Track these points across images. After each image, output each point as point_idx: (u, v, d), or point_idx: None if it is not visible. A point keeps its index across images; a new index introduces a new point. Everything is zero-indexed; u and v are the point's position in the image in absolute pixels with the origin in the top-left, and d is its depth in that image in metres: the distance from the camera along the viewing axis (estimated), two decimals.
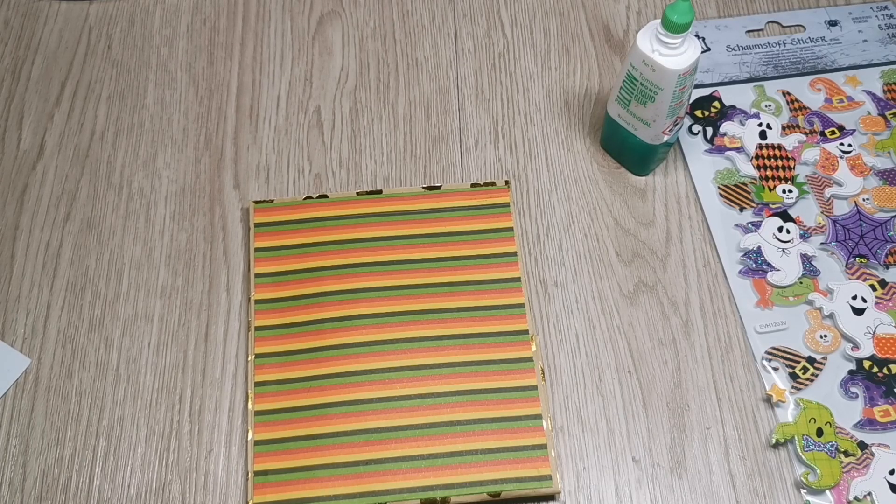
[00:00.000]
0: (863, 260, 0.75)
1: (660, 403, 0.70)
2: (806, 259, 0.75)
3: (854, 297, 0.73)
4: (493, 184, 0.78)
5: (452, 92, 0.84)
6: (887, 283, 0.74)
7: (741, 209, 0.77)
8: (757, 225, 0.76)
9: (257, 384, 0.69)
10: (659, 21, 0.68)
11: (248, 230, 0.76)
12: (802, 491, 0.66)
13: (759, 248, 0.75)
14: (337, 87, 0.84)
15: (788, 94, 0.83)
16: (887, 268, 0.75)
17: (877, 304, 0.73)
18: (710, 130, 0.81)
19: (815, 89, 0.83)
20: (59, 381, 0.70)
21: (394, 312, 0.71)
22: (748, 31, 0.87)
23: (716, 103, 0.83)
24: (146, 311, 0.73)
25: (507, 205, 0.77)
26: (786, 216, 0.77)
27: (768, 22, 0.87)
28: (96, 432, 0.69)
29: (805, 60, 0.85)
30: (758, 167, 0.79)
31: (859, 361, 0.71)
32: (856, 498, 0.66)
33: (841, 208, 0.78)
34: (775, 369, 0.71)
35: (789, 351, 0.71)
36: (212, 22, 0.88)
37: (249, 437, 0.67)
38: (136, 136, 0.81)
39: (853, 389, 0.70)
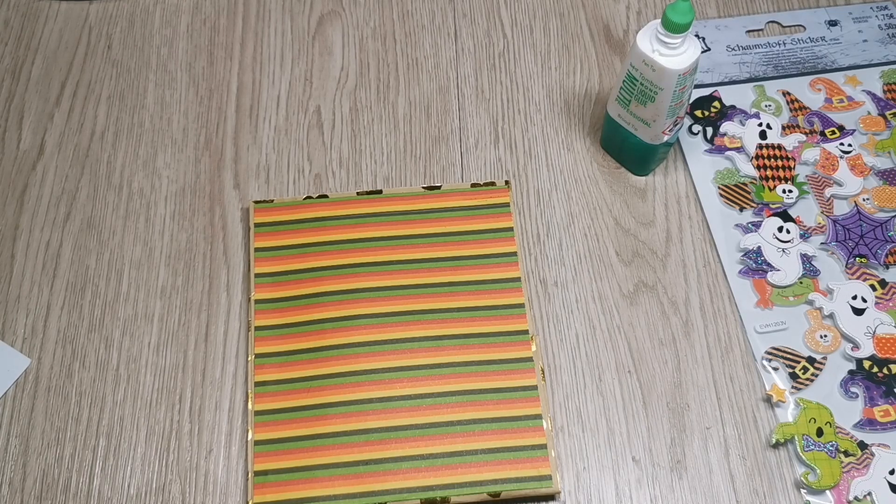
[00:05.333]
0: (863, 260, 0.75)
1: (660, 403, 0.70)
2: (806, 259, 0.75)
3: (854, 297, 0.73)
4: (493, 184, 0.78)
5: (452, 92, 0.84)
6: (887, 283, 0.74)
7: (741, 209, 0.77)
8: (757, 225, 0.76)
9: (257, 384, 0.69)
10: (659, 21, 0.68)
11: (248, 230, 0.76)
12: (802, 491, 0.67)
13: (759, 248, 0.75)
14: (337, 87, 0.84)
15: (788, 94, 0.83)
16: (887, 268, 0.75)
17: (877, 304, 0.73)
18: (710, 130, 0.81)
19: (815, 89, 0.83)
20: (59, 381, 0.70)
21: (394, 312, 0.71)
22: (748, 31, 0.87)
23: (716, 103, 0.83)
24: (146, 311, 0.73)
25: (507, 205, 0.77)
26: (786, 216, 0.77)
27: (768, 22, 0.87)
28: (96, 432, 0.69)
29: (805, 60, 0.85)
30: (758, 167, 0.79)
31: (859, 361, 0.71)
32: (856, 498, 0.66)
33: (841, 208, 0.78)
34: (775, 369, 0.71)
35: (789, 351, 0.71)
36: (212, 22, 0.88)
37: (249, 437, 0.67)
38: (136, 136, 0.81)
39: (853, 389, 0.70)
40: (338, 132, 0.82)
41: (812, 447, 0.67)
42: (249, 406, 0.69)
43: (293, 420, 0.68)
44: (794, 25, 0.87)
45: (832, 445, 0.67)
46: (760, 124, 0.81)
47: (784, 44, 0.86)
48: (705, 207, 0.78)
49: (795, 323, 0.72)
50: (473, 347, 0.70)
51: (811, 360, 0.71)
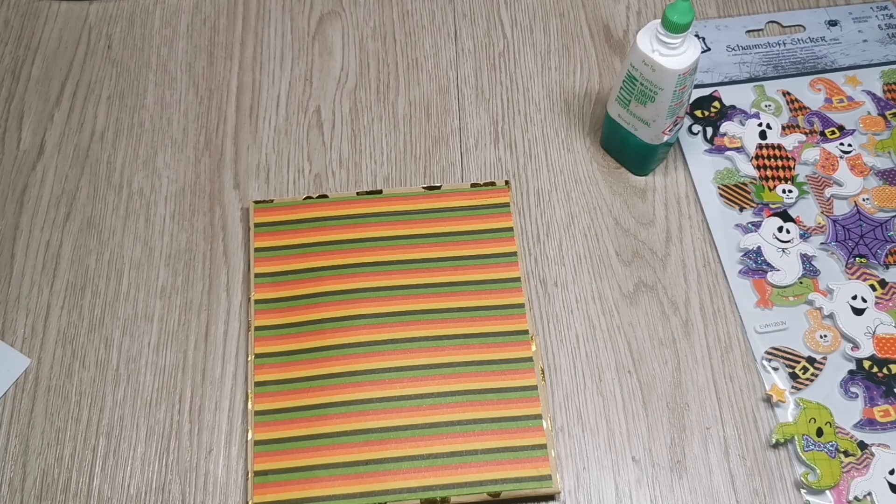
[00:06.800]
0: (863, 260, 0.75)
1: (660, 403, 0.70)
2: (806, 259, 0.75)
3: (854, 297, 0.73)
4: (493, 184, 0.78)
5: (452, 92, 0.84)
6: (887, 283, 0.74)
7: (741, 209, 0.77)
8: (757, 225, 0.76)
9: (257, 384, 0.69)
10: (659, 21, 0.68)
11: (248, 230, 0.76)
12: (802, 491, 0.67)
13: (759, 248, 0.75)
14: (337, 87, 0.84)
15: (788, 94, 0.83)
16: (887, 268, 0.75)
17: (877, 304, 0.73)
18: (710, 130, 0.81)
19: (815, 89, 0.83)
20: (59, 381, 0.70)
21: (394, 312, 0.71)
22: (748, 31, 0.87)
23: (716, 103, 0.83)
24: (146, 311, 0.73)
25: (507, 205, 0.77)
26: (786, 216, 0.77)
27: (768, 22, 0.87)
28: (96, 432, 0.69)
29: (805, 60, 0.85)
30: (758, 167, 0.79)
31: (859, 361, 0.71)
32: (856, 498, 0.66)
33: (841, 208, 0.78)
34: (775, 369, 0.71)
35: (789, 351, 0.71)
36: (212, 22, 0.88)
37: (249, 437, 0.67)
38: (136, 136, 0.81)
39: (853, 389, 0.70)
40: (338, 132, 0.82)
41: (812, 447, 0.67)
42: (249, 406, 0.69)
43: (293, 420, 0.68)
44: (793, 25, 0.87)
45: (832, 445, 0.67)
46: (760, 124, 0.81)
47: (784, 44, 0.86)
48: (705, 207, 0.78)
49: (795, 323, 0.72)
50: (473, 347, 0.70)
51: (811, 360, 0.71)
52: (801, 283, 0.74)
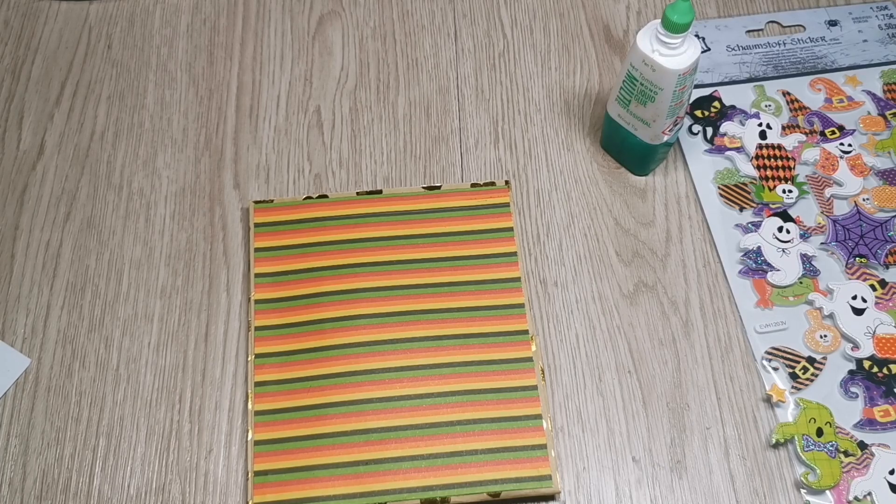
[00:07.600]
0: (863, 260, 0.75)
1: (660, 403, 0.70)
2: (806, 259, 0.75)
3: (854, 297, 0.73)
4: (493, 184, 0.78)
5: (452, 92, 0.84)
6: (887, 283, 0.74)
7: (741, 209, 0.77)
8: (757, 225, 0.76)
9: (257, 384, 0.69)
10: (659, 21, 0.68)
11: (248, 230, 0.76)
12: (802, 491, 0.67)
13: (759, 248, 0.75)
14: (337, 87, 0.84)
15: (788, 94, 0.83)
16: (887, 268, 0.75)
17: (877, 304, 0.73)
18: (710, 130, 0.81)
19: (815, 89, 0.83)
20: (59, 381, 0.70)
21: (394, 312, 0.71)
22: (748, 31, 0.87)
23: (716, 103, 0.83)
24: (146, 311, 0.73)
25: (507, 205, 0.77)
26: (786, 216, 0.77)
27: (768, 22, 0.87)
28: (96, 432, 0.69)
29: (805, 60, 0.85)
30: (758, 167, 0.79)
31: (859, 361, 0.71)
32: (856, 498, 0.66)
33: (841, 208, 0.78)
34: (775, 369, 0.71)
35: (789, 351, 0.71)
36: (212, 22, 0.88)
37: (249, 437, 0.67)
38: (136, 136, 0.81)
39: (853, 389, 0.70)
40: (338, 132, 0.82)
41: (812, 447, 0.67)
42: (249, 406, 0.69)
43: (293, 420, 0.68)
44: (794, 25, 0.87)
45: (832, 445, 0.67)
46: (760, 124, 0.81)
47: (784, 44, 0.86)
48: (705, 207, 0.78)
49: (795, 323, 0.72)
50: (473, 347, 0.70)
51: (811, 360, 0.71)
52: (801, 283, 0.74)
